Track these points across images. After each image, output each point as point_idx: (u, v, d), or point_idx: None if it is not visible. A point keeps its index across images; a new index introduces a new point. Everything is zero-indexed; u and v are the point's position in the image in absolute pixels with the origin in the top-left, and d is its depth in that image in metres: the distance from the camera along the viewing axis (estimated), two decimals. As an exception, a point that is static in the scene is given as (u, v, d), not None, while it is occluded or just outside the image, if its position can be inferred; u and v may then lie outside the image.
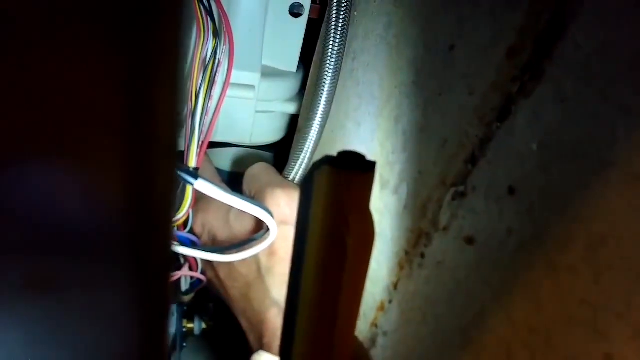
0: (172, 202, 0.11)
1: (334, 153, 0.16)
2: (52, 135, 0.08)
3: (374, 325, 0.31)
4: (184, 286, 0.43)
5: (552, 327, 0.17)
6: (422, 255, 0.26)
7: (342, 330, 0.17)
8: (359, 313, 0.17)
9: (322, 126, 0.39)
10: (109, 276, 0.10)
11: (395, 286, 0.29)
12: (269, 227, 0.34)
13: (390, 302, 0.30)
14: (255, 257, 0.36)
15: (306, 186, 0.17)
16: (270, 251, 0.36)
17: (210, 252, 0.36)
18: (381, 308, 0.30)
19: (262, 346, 0.35)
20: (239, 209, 0.38)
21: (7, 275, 0.09)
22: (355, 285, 0.17)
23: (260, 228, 0.37)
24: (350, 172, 0.15)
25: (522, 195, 0.19)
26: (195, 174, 0.32)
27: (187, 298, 0.46)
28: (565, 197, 0.17)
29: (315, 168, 0.16)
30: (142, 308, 0.11)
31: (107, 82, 0.08)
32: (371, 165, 0.16)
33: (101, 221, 0.09)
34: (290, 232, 0.36)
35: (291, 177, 0.41)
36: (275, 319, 0.35)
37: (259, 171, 0.42)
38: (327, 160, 0.16)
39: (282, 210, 0.37)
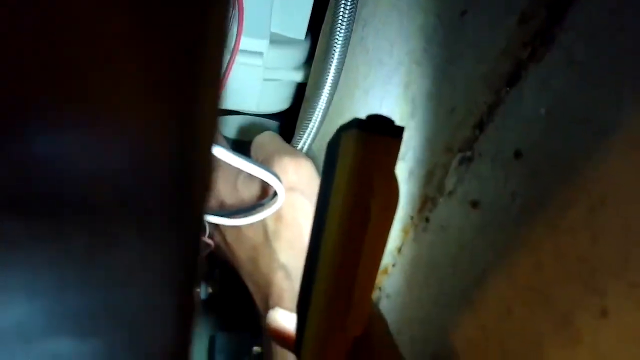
0: (213, 160, 0.11)
1: (362, 116, 0.15)
2: (99, 92, 0.08)
3: (377, 288, 0.32)
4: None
5: (551, 285, 0.18)
6: (427, 220, 0.27)
7: (361, 289, 0.17)
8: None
9: (331, 95, 0.39)
10: (142, 232, 0.10)
11: (399, 250, 0.30)
12: (277, 192, 0.35)
13: (393, 265, 0.30)
14: (263, 222, 0.37)
15: (332, 147, 0.17)
16: (277, 216, 0.37)
17: (219, 215, 0.37)
18: (385, 272, 0.31)
19: (269, 307, 0.36)
20: (246, 175, 0.38)
21: (52, 234, 0.09)
22: (376, 246, 0.17)
23: (266, 194, 0.38)
24: (378, 136, 0.15)
25: (528, 160, 0.20)
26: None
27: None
28: (569, 161, 0.18)
29: (342, 130, 0.16)
30: (176, 265, 0.12)
31: (158, 40, 0.08)
32: (399, 131, 0.16)
33: (144, 179, 0.09)
34: (296, 199, 0.37)
35: (299, 146, 0.42)
36: (281, 282, 0.36)
37: (267, 139, 0.42)
38: (355, 123, 0.15)
39: (289, 177, 0.37)
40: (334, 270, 0.17)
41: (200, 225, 0.12)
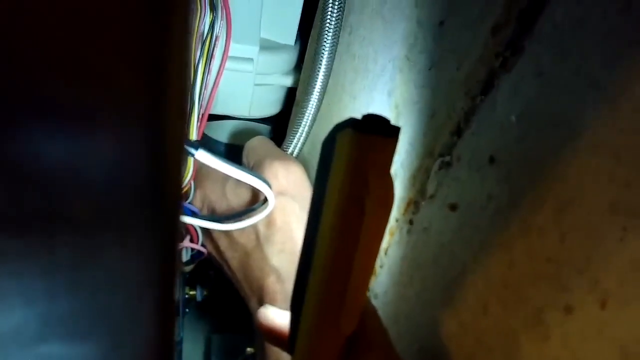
0: (183, 167, 0.12)
1: (358, 116, 0.15)
2: (69, 99, 0.09)
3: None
4: (185, 257, 0.45)
5: (522, 282, 0.19)
6: (411, 222, 0.28)
7: (355, 287, 0.17)
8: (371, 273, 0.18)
9: (320, 100, 0.40)
10: (122, 241, 0.11)
11: (386, 252, 0.31)
12: (267, 197, 0.35)
13: (381, 267, 0.31)
14: (254, 227, 0.38)
15: (327, 146, 0.16)
16: (269, 221, 0.38)
17: (210, 221, 0.38)
18: (373, 273, 0.32)
19: (261, 310, 0.37)
20: (235, 182, 0.39)
21: (28, 243, 0.10)
22: (371, 245, 0.17)
23: (255, 200, 0.39)
24: (373, 136, 0.15)
25: (502, 164, 0.21)
26: (196, 144, 0.33)
27: (187, 268, 0.47)
28: (538, 165, 0.19)
29: (338, 129, 0.16)
30: (152, 273, 0.12)
31: (127, 46, 0.09)
32: (395, 130, 0.16)
33: (119, 193, 0.10)
34: (287, 203, 0.38)
35: (290, 149, 0.43)
36: (274, 285, 0.37)
37: (258, 144, 0.43)
38: (351, 122, 0.15)
39: (280, 182, 0.38)
40: (327, 268, 0.17)
41: (175, 231, 0.13)
